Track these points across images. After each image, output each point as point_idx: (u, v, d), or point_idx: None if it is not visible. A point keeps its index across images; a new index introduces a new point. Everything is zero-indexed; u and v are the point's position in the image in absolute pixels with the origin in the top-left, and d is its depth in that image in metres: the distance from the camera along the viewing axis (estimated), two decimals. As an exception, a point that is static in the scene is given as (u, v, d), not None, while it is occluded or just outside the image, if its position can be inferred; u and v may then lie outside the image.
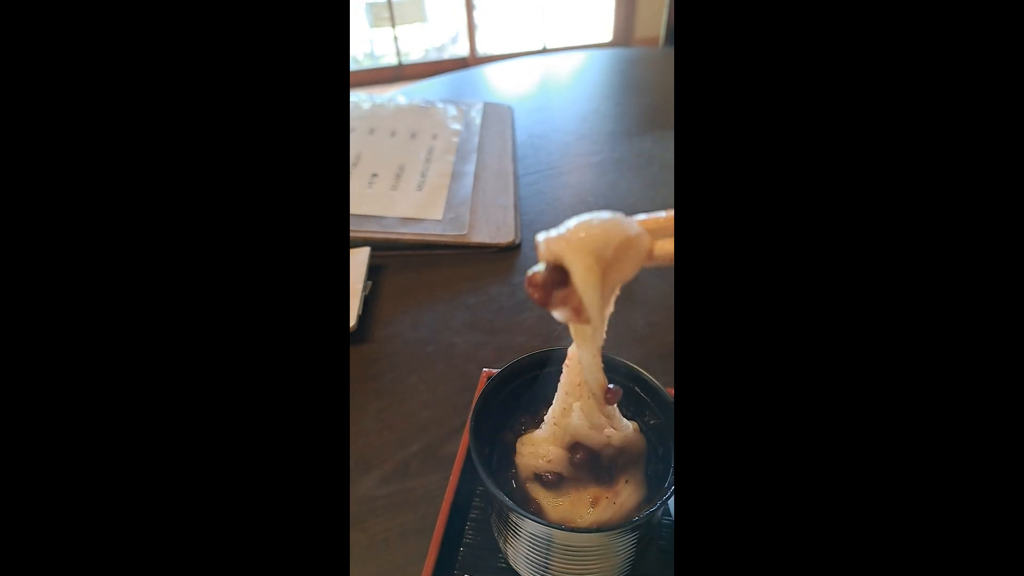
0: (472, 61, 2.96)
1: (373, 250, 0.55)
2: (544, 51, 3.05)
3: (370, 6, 2.82)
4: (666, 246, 0.22)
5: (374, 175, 0.67)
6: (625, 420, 0.28)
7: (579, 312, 0.22)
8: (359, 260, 0.54)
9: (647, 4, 2.99)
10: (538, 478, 0.28)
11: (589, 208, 0.24)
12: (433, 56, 3.03)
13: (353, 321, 0.47)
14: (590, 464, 0.27)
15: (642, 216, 0.22)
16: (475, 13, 2.92)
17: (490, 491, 0.26)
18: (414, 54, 2.98)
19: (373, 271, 0.55)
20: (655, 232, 0.22)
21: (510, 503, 0.25)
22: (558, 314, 0.22)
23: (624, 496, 0.28)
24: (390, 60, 2.92)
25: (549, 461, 0.27)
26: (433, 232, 0.59)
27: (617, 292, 0.23)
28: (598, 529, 0.26)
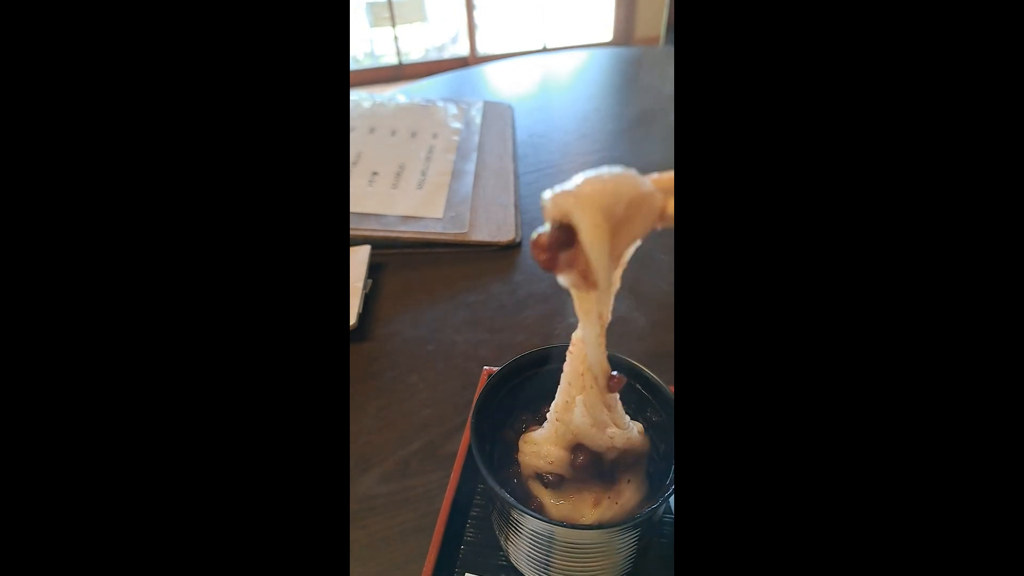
0: (472, 61, 2.96)
1: (373, 248, 0.55)
2: (544, 50, 3.05)
3: (370, 6, 2.82)
4: None
5: (374, 173, 0.67)
6: (628, 419, 0.28)
7: (586, 276, 0.21)
8: (359, 258, 0.53)
9: (647, 3, 3.00)
10: (539, 478, 0.28)
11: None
12: (433, 56, 3.03)
13: (353, 319, 0.47)
14: (592, 466, 0.27)
15: (654, 175, 0.21)
16: (475, 13, 2.92)
17: (492, 488, 0.26)
18: (414, 54, 2.98)
19: (373, 269, 0.55)
20: (667, 191, 0.21)
21: (511, 500, 0.25)
22: (564, 279, 0.21)
23: (626, 497, 0.28)
24: (390, 60, 2.92)
25: (551, 463, 0.27)
26: (433, 230, 0.59)
27: (626, 260, 0.22)
28: (599, 526, 0.25)
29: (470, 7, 2.89)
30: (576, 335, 0.26)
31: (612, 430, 0.27)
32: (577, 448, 0.27)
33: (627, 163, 0.21)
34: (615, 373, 0.26)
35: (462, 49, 3.02)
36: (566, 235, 0.20)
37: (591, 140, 0.81)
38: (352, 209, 0.60)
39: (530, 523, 0.26)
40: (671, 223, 0.21)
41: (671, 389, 0.30)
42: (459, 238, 0.58)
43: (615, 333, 0.25)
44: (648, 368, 0.31)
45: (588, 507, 0.27)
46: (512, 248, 0.59)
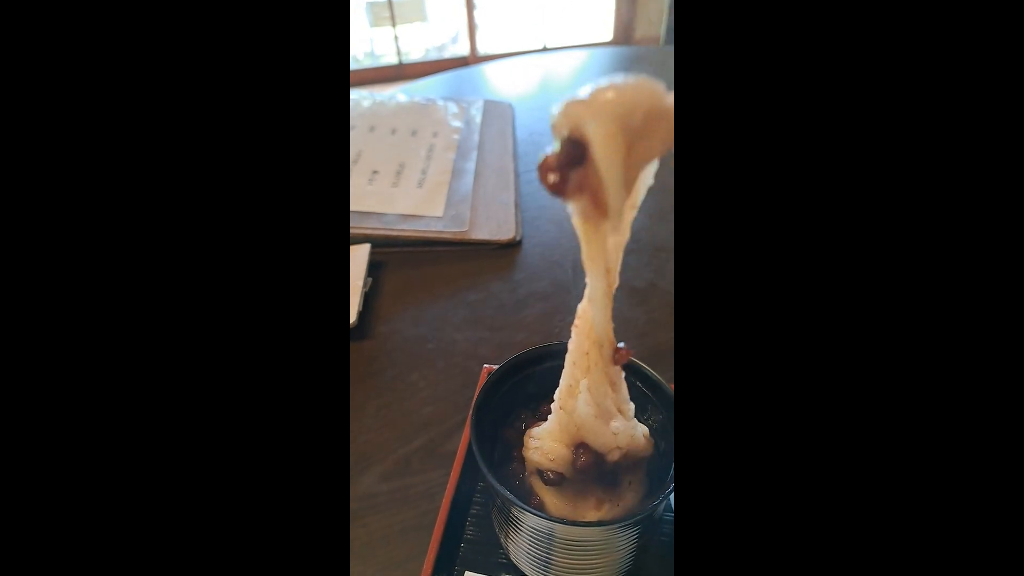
0: (472, 60, 2.96)
1: (374, 247, 0.55)
2: (544, 50, 3.05)
3: (370, 5, 2.82)
4: None
5: (375, 172, 0.67)
6: (633, 407, 0.28)
7: (597, 200, 0.19)
8: (360, 257, 0.53)
9: (647, 3, 2.99)
10: (540, 475, 0.28)
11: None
12: (433, 56, 3.03)
13: (354, 318, 0.47)
14: (593, 468, 0.27)
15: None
16: (475, 13, 2.92)
17: (492, 485, 0.26)
18: (414, 53, 2.99)
19: (374, 268, 0.55)
20: None
21: (512, 497, 0.25)
22: (574, 207, 0.20)
23: (628, 499, 0.28)
24: (390, 59, 2.92)
25: (552, 460, 0.27)
26: (434, 229, 0.59)
27: (640, 194, 0.21)
28: (599, 523, 0.25)
29: (470, 7, 2.89)
30: (582, 306, 0.25)
31: (616, 423, 0.26)
32: (580, 447, 0.27)
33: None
34: (621, 345, 0.25)
35: (462, 49, 3.02)
36: (577, 151, 0.19)
37: (591, 139, 0.81)
38: (352, 208, 0.60)
39: (530, 520, 0.26)
40: None
41: (671, 387, 0.30)
42: (459, 236, 0.58)
43: (616, 333, 0.25)
44: (648, 366, 0.31)
45: (590, 510, 0.27)
46: (512, 246, 0.59)
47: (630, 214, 0.22)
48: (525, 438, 0.29)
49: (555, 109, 0.19)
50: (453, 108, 0.84)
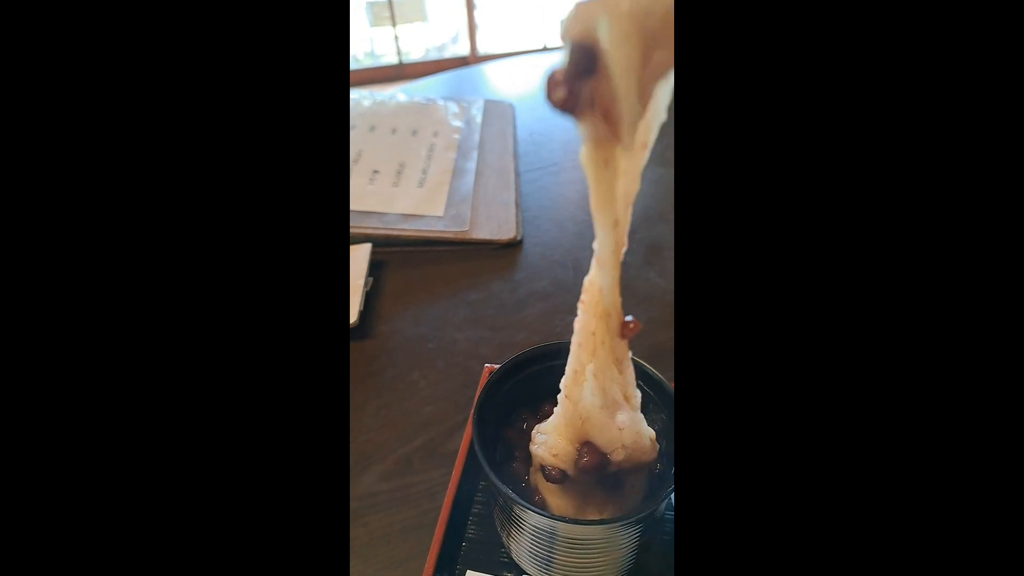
0: (473, 60, 2.96)
1: (374, 246, 0.55)
2: (544, 50, 3.05)
3: (370, 5, 2.82)
4: None
5: (375, 172, 0.67)
6: (639, 395, 0.27)
7: (609, 116, 0.18)
8: (360, 256, 0.53)
9: (647, 2, 2.98)
10: (543, 471, 0.28)
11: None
12: (434, 55, 3.02)
13: (354, 317, 0.47)
14: (597, 469, 0.27)
15: None
16: (475, 12, 2.92)
17: (494, 484, 0.26)
18: (414, 53, 2.98)
19: (374, 267, 0.55)
20: None
21: (513, 495, 0.25)
22: (584, 125, 0.18)
23: (631, 501, 0.28)
24: (390, 59, 2.92)
25: (556, 456, 0.27)
26: (434, 228, 0.59)
27: (655, 127, 0.19)
28: (601, 521, 0.25)
29: (470, 7, 2.89)
30: (589, 278, 0.24)
31: (622, 416, 0.26)
32: (584, 446, 0.27)
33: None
34: (629, 318, 0.24)
35: (462, 49, 3.01)
36: (587, 58, 0.17)
37: (592, 138, 0.81)
38: (353, 207, 0.60)
39: (532, 519, 0.26)
40: None
41: (672, 386, 0.30)
42: (460, 236, 0.58)
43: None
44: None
45: (593, 514, 0.27)
46: (513, 246, 0.59)
47: (642, 154, 0.20)
48: (533, 433, 0.29)
49: (562, 20, 0.17)
50: (453, 108, 0.84)
